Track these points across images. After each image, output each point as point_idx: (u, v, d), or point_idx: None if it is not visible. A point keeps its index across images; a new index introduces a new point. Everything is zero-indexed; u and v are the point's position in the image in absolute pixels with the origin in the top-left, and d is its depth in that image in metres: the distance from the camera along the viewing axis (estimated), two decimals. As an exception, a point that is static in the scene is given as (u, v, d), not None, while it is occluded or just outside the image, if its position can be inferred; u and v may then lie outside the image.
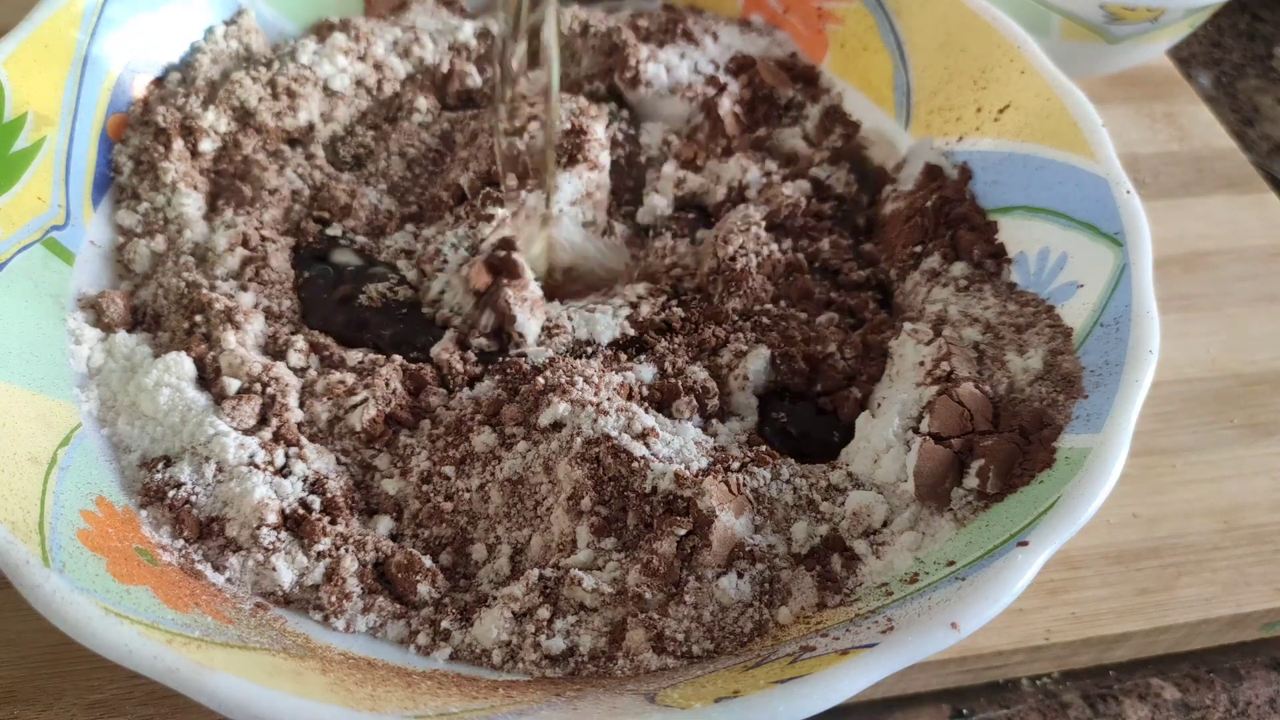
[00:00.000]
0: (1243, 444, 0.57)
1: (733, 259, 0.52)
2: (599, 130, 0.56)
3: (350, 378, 0.47)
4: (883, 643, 0.34)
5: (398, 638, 0.41)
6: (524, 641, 0.39)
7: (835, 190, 0.58)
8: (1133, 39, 0.68)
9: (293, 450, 0.45)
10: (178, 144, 0.55)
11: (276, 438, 0.45)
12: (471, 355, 0.49)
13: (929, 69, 0.59)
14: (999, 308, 0.49)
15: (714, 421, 0.48)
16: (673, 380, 0.48)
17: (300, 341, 0.49)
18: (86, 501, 0.41)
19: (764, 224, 0.54)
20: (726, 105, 0.61)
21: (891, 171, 0.59)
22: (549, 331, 0.50)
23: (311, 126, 0.59)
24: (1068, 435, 0.41)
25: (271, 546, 0.42)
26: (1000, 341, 0.47)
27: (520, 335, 0.49)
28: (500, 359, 0.49)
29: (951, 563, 0.39)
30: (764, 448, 0.45)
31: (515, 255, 0.50)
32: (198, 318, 0.49)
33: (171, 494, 0.43)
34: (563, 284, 0.55)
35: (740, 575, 0.40)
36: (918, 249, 0.53)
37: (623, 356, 0.49)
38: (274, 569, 0.41)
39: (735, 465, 0.43)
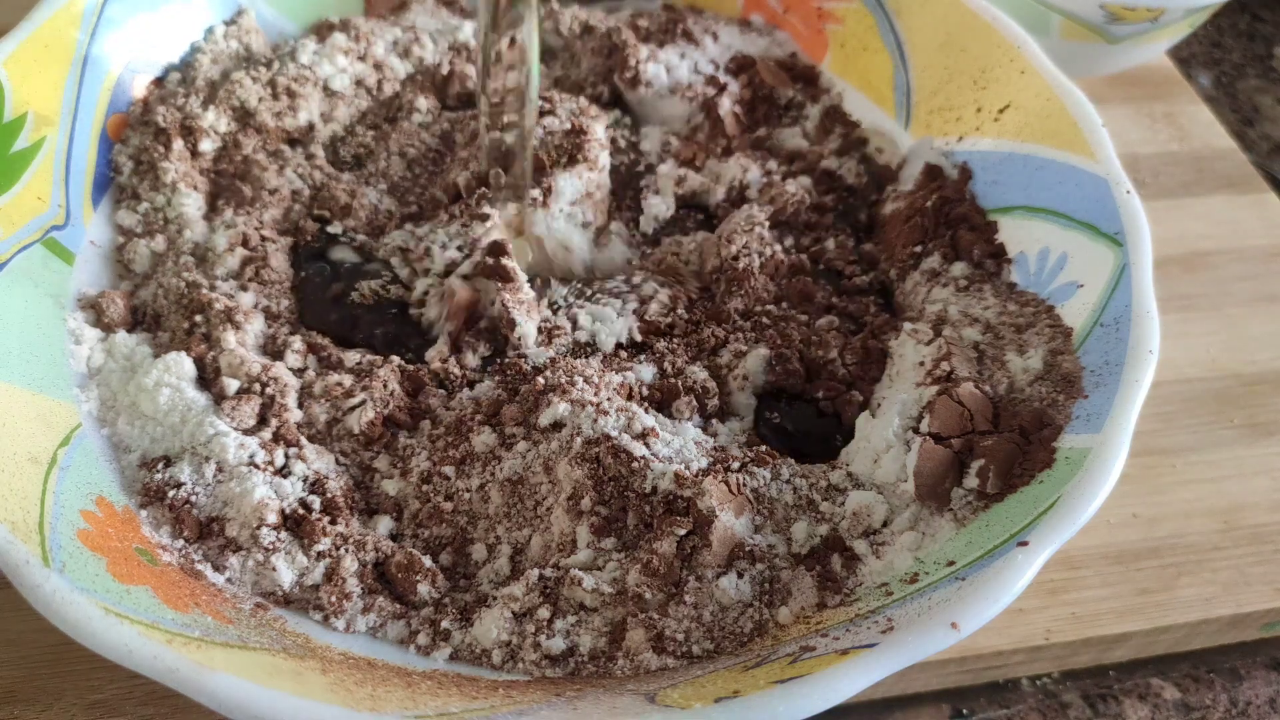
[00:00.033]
0: (1243, 444, 0.57)
1: (735, 258, 0.52)
2: (599, 130, 0.56)
3: (348, 379, 0.47)
4: (883, 643, 0.34)
5: (398, 638, 0.41)
6: (524, 641, 0.39)
7: (846, 180, 0.58)
8: (1133, 39, 0.68)
9: (292, 450, 0.45)
10: (178, 144, 0.55)
11: (276, 438, 0.45)
12: (470, 360, 0.49)
13: (929, 69, 0.59)
14: (999, 308, 0.49)
15: (714, 421, 0.48)
16: (673, 380, 0.48)
17: (297, 342, 0.49)
18: (86, 501, 0.41)
19: (768, 224, 0.54)
20: (726, 105, 0.61)
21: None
22: (549, 334, 0.50)
23: (311, 126, 0.59)
24: (1068, 435, 0.41)
25: (271, 546, 0.42)
26: (1000, 341, 0.47)
27: (519, 339, 0.49)
28: (499, 359, 0.49)
29: (951, 563, 0.39)
30: (764, 448, 0.45)
31: (505, 260, 0.50)
32: (197, 318, 0.49)
33: (171, 494, 0.43)
34: (541, 267, 0.55)
35: (740, 575, 0.40)
36: (918, 249, 0.53)
37: (623, 356, 0.49)
38: (274, 569, 0.41)
39: (735, 465, 0.43)
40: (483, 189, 0.54)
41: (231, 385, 0.46)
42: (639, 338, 0.50)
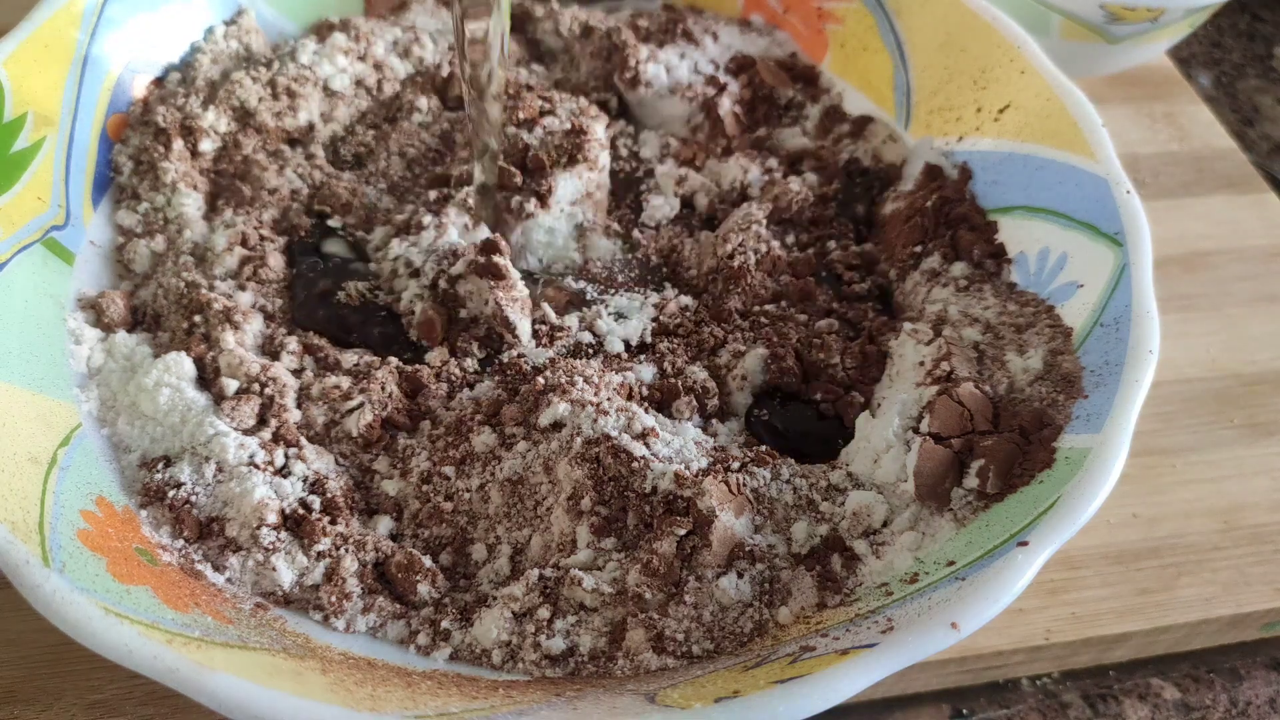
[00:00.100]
0: (1243, 444, 0.57)
1: (730, 256, 0.52)
2: (599, 130, 0.56)
3: (345, 381, 0.47)
4: (883, 643, 0.34)
5: (398, 638, 0.41)
6: (524, 641, 0.39)
7: (863, 163, 0.58)
8: (1133, 39, 0.68)
9: (292, 450, 0.45)
10: (178, 144, 0.55)
11: (276, 438, 0.45)
12: (470, 363, 0.49)
13: (929, 69, 0.59)
14: (999, 308, 0.49)
15: (714, 421, 0.48)
16: (672, 380, 0.48)
17: (294, 343, 0.49)
18: (86, 501, 0.41)
19: (765, 222, 0.54)
20: (726, 105, 0.61)
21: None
22: (551, 336, 0.50)
23: (311, 126, 0.59)
24: (1068, 435, 0.41)
25: (271, 546, 0.42)
26: (1000, 341, 0.47)
27: (515, 336, 0.49)
28: (499, 359, 0.49)
29: (951, 563, 0.39)
30: (764, 447, 0.45)
31: (498, 258, 0.50)
32: (197, 318, 0.49)
33: (171, 494, 0.43)
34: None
35: (740, 575, 0.40)
36: (918, 249, 0.53)
37: (623, 356, 0.49)
38: (274, 569, 0.41)
39: (735, 465, 0.43)
40: (449, 188, 0.54)
41: (231, 385, 0.46)
42: (649, 339, 0.50)
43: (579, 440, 0.43)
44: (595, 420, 0.43)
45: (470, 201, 0.54)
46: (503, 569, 0.43)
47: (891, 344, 0.49)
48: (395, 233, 0.54)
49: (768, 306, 0.52)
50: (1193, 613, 0.50)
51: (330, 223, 0.55)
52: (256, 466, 0.44)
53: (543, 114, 0.56)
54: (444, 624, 0.41)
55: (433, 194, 0.54)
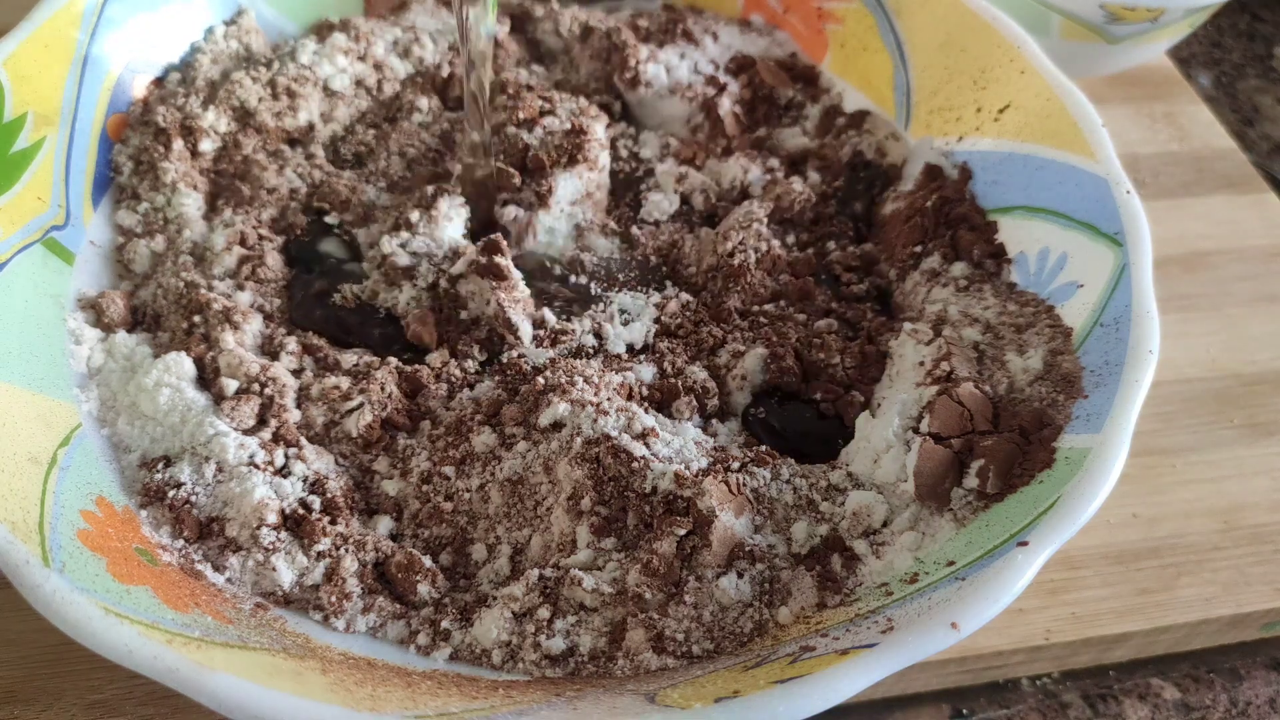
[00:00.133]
0: (1243, 444, 0.57)
1: (731, 254, 0.52)
2: (599, 130, 0.56)
3: (345, 382, 0.47)
4: (883, 643, 0.34)
5: (398, 638, 0.41)
6: (524, 641, 0.39)
7: (867, 156, 0.58)
8: (1133, 39, 0.68)
9: (292, 450, 0.45)
10: (178, 144, 0.55)
11: (276, 438, 0.45)
12: (469, 365, 0.49)
13: (929, 69, 0.59)
14: (999, 308, 0.49)
15: (714, 421, 0.48)
16: (672, 380, 0.48)
17: (293, 344, 0.49)
18: (86, 501, 0.41)
19: (766, 220, 0.54)
20: (726, 105, 0.61)
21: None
22: (554, 338, 0.50)
23: (311, 126, 0.59)
24: (1068, 435, 0.41)
25: (271, 546, 0.42)
26: (1000, 341, 0.47)
27: (516, 338, 0.49)
28: (498, 360, 0.49)
29: (951, 563, 0.39)
30: (764, 447, 0.45)
31: (499, 259, 0.50)
32: (196, 318, 0.49)
33: (171, 494, 0.43)
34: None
35: (740, 575, 0.40)
36: (918, 249, 0.53)
37: (623, 356, 0.49)
38: (274, 569, 0.41)
39: (735, 465, 0.43)
40: (441, 184, 0.54)
41: (231, 385, 0.46)
42: (652, 340, 0.50)
43: (579, 440, 0.43)
44: (595, 420, 0.43)
45: (458, 172, 0.54)
46: (503, 569, 0.43)
47: (891, 344, 0.49)
48: (384, 230, 0.54)
49: (766, 306, 0.52)
50: (1193, 613, 0.50)
51: (328, 219, 0.55)
52: (256, 466, 0.44)
53: (543, 114, 0.56)
54: (444, 624, 0.41)
55: (429, 189, 0.54)
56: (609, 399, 0.45)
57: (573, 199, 0.55)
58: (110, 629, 0.33)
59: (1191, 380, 0.59)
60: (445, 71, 0.62)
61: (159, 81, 0.58)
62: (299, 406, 0.47)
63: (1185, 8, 0.65)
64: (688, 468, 0.42)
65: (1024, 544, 0.36)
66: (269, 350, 0.49)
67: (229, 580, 0.41)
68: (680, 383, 0.48)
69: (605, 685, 0.38)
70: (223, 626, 0.37)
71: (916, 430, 0.44)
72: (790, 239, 0.56)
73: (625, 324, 0.51)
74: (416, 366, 0.49)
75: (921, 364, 0.46)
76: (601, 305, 0.52)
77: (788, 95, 0.63)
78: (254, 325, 0.49)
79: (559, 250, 0.55)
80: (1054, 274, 0.49)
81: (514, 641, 0.40)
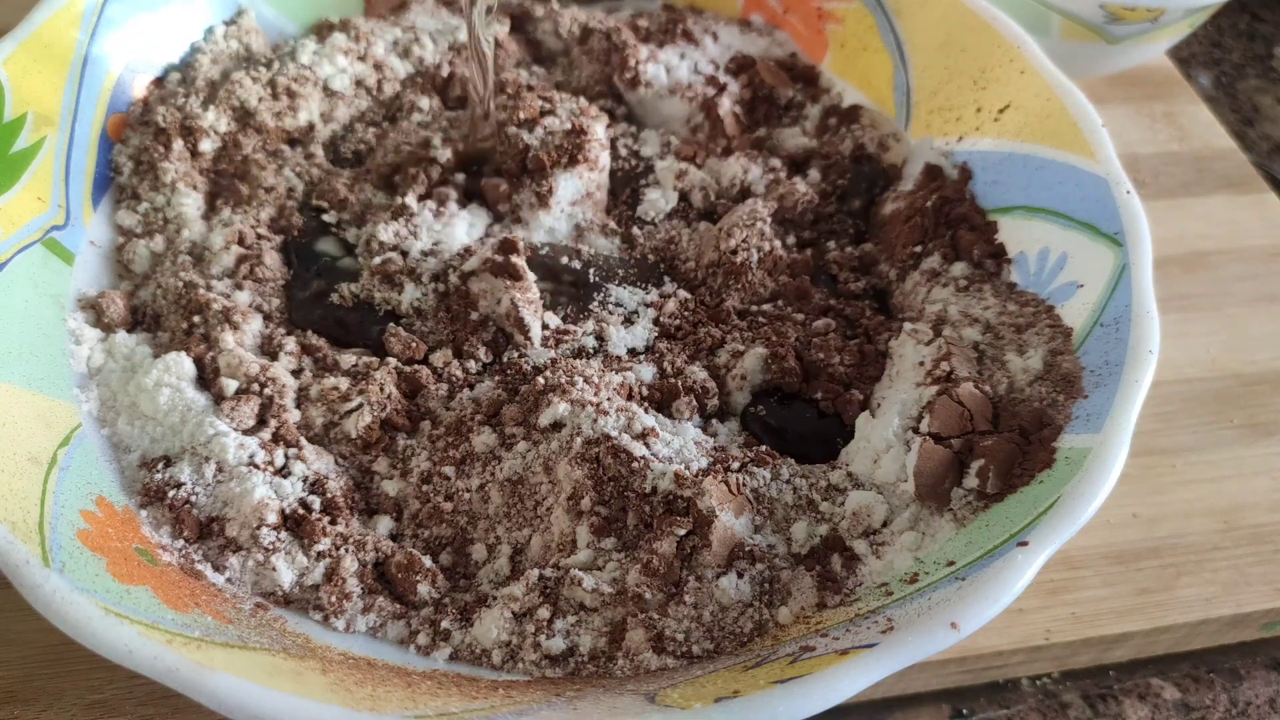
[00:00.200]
0: (1243, 444, 0.57)
1: (734, 252, 0.52)
2: (599, 130, 0.56)
3: (344, 383, 0.47)
4: (883, 643, 0.34)
5: (398, 638, 0.41)
6: (524, 641, 0.39)
7: (868, 149, 0.58)
8: (1133, 39, 0.68)
9: (292, 450, 0.45)
10: (178, 144, 0.55)
11: (276, 438, 0.45)
12: (472, 365, 0.49)
13: (929, 69, 0.59)
14: (999, 308, 0.49)
15: (714, 421, 0.48)
16: (672, 380, 0.48)
17: (291, 344, 0.49)
18: (86, 501, 0.41)
19: (769, 220, 0.54)
20: (726, 105, 0.61)
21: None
22: (556, 339, 0.50)
23: (311, 126, 0.59)
24: (1068, 435, 0.41)
25: (271, 546, 0.42)
26: (1000, 341, 0.47)
27: (527, 338, 0.49)
28: (499, 360, 0.49)
29: (951, 563, 0.39)
30: (764, 447, 0.45)
31: (515, 258, 0.50)
32: (196, 318, 0.49)
33: (171, 494, 0.43)
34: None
35: (740, 575, 0.40)
36: (918, 249, 0.53)
37: (623, 356, 0.49)
38: (274, 569, 0.41)
39: (735, 465, 0.43)
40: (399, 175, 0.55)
41: (230, 385, 0.46)
42: (653, 343, 0.50)
43: (579, 440, 0.43)
44: (595, 420, 0.43)
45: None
46: (503, 569, 0.43)
47: (891, 344, 0.49)
48: (379, 223, 0.54)
49: (765, 306, 0.52)
50: (1193, 613, 0.50)
51: (326, 218, 0.55)
52: (256, 466, 0.44)
53: (543, 114, 0.56)
54: (444, 624, 0.41)
55: (413, 193, 0.54)
56: (609, 399, 0.45)
57: (573, 199, 0.55)
58: (110, 629, 0.33)
59: (1191, 380, 0.59)
60: (445, 71, 0.62)
61: (159, 81, 0.58)
62: (298, 407, 0.47)
63: (1185, 8, 0.65)
64: (688, 468, 0.42)
65: (1024, 544, 0.36)
66: (268, 350, 0.49)
67: (229, 580, 0.41)
68: (680, 383, 0.48)
69: (605, 685, 0.38)
70: (223, 626, 0.37)
71: (916, 430, 0.44)
72: (790, 239, 0.56)
73: (626, 325, 0.50)
74: (416, 367, 0.49)
75: (921, 364, 0.46)
76: (599, 296, 0.52)
77: (788, 95, 0.63)
78: (253, 325, 0.49)
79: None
80: (1054, 274, 0.49)
81: (514, 641, 0.40)
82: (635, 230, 0.56)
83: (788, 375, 0.48)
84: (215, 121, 0.56)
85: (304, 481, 0.44)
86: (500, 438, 0.45)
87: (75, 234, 0.51)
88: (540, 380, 0.46)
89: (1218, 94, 0.91)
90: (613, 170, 0.58)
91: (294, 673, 0.35)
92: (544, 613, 0.40)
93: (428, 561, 0.42)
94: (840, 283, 0.54)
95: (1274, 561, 0.52)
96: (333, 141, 0.60)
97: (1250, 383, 0.60)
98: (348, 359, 0.49)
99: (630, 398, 0.46)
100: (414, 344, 0.49)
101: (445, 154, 0.56)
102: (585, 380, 0.46)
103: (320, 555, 0.42)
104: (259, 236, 0.53)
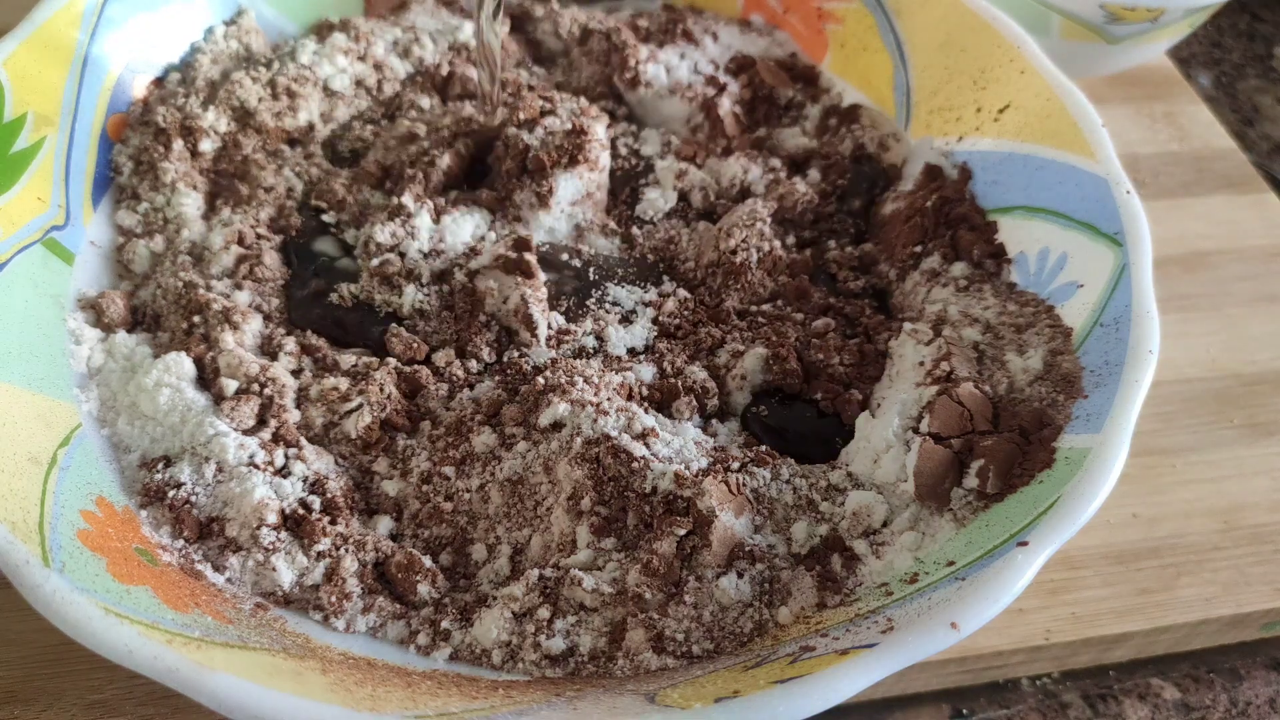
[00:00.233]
0: (1243, 444, 0.57)
1: (733, 252, 0.52)
2: (599, 130, 0.56)
3: (344, 383, 0.47)
4: (883, 643, 0.34)
5: (398, 638, 0.41)
6: (524, 641, 0.39)
7: (868, 149, 0.58)
8: (1133, 39, 0.68)
9: (292, 451, 0.45)
10: (178, 144, 0.55)
11: (276, 438, 0.45)
12: (474, 365, 0.49)
13: (929, 69, 0.59)
14: (999, 308, 0.49)
15: (714, 421, 0.48)
16: (672, 380, 0.48)
17: (291, 344, 0.49)
18: (86, 501, 0.41)
19: (769, 220, 0.54)
20: (726, 105, 0.61)
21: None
22: (557, 339, 0.50)
23: (311, 127, 0.59)
24: (1068, 435, 0.41)
25: (271, 546, 0.42)
26: (1000, 341, 0.47)
27: (534, 336, 0.49)
28: (499, 360, 0.49)
29: (951, 563, 0.39)
30: (764, 448, 0.45)
31: (529, 256, 0.50)
32: (196, 318, 0.49)
33: (171, 494, 0.43)
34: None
35: (740, 575, 0.40)
36: (918, 249, 0.53)
37: (624, 356, 0.49)
38: (274, 569, 0.41)
39: (735, 465, 0.43)
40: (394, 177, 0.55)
41: (230, 386, 0.46)
42: (652, 343, 0.50)
43: (579, 440, 0.43)
44: (595, 420, 0.43)
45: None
46: (503, 569, 0.43)
47: (891, 344, 0.49)
48: (376, 223, 0.54)
49: (764, 306, 0.52)
50: (1193, 613, 0.50)
51: (325, 218, 0.55)
52: (256, 467, 0.44)
53: (543, 114, 0.56)
54: (444, 624, 0.41)
55: (410, 192, 0.54)
56: (609, 399, 0.45)
57: (573, 199, 0.55)
58: (110, 629, 0.33)
59: (1191, 380, 0.59)
60: (445, 71, 0.62)
61: (159, 81, 0.58)
62: (298, 407, 0.47)
63: (1185, 8, 0.65)
64: (688, 468, 0.42)
65: (1024, 544, 0.36)
66: (268, 350, 0.49)
67: (229, 580, 0.41)
68: (680, 383, 0.48)
69: (605, 685, 0.38)
70: (223, 626, 0.37)
71: (916, 430, 0.44)
72: (790, 239, 0.56)
73: (626, 325, 0.50)
74: (416, 367, 0.49)
75: (921, 364, 0.46)
76: (597, 295, 0.52)
77: (788, 95, 0.63)
78: (253, 325, 0.49)
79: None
80: (1054, 274, 0.49)
81: (514, 641, 0.40)
82: (635, 230, 0.56)
83: (788, 375, 0.48)
84: (215, 121, 0.56)
85: (304, 481, 0.44)
86: (500, 438, 0.45)
87: (75, 234, 0.51)
88: (540, 380, 0.46)
89: (1218, 94, 0.91)
90: (613, 170, 0.58)
91: (294, 673, 0.35)
92: (544, 613, 0.40)
93: (428, 561, 0.42)
94: (840, 282, 0.54)
95: (1274, 561, 0.52)
96: (332, 141, 0.60)
97: (1250, 383, 0.60)
98: (347, 359, 0.49)
99: (630, 398, 0.46)
100: (415, 344, 0.49)
101: (445, 157, 0.56)
102: (585, 380, 0.46)
103: (320, 555, 0.42)
104: (259, 236, 0.53)
